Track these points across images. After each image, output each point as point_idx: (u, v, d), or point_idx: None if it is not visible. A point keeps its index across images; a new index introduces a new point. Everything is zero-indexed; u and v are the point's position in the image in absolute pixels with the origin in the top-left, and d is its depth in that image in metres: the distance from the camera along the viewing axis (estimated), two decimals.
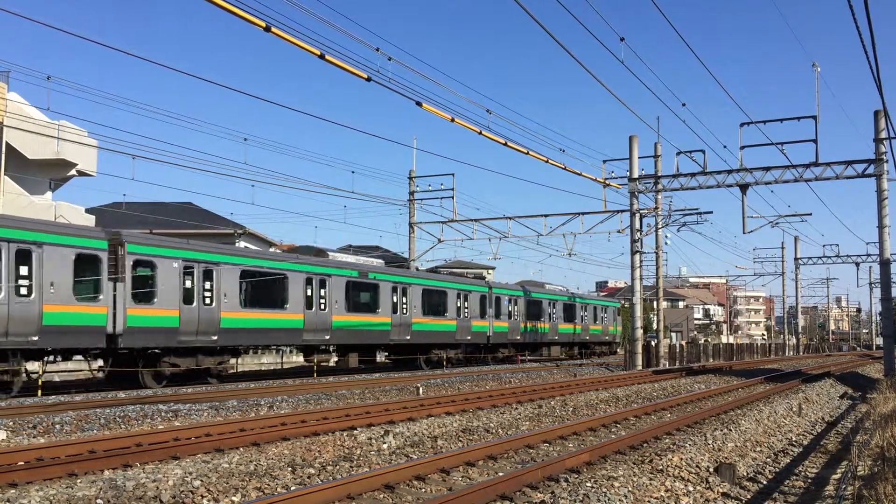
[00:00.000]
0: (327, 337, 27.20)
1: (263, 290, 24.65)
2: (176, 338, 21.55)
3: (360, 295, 29.16)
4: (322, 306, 26.84)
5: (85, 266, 19.36)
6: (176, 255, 21.68)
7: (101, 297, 19.64)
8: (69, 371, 24.61)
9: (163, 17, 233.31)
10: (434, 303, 33.26)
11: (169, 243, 22.15)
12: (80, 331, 19.23)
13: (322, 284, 26.96)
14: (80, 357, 21.33)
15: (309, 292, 26.36)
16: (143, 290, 20.75)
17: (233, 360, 25.64)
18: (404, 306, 31.16)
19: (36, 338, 18.18)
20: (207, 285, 22.54)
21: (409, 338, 31.47)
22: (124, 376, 21.25)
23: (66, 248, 18.94)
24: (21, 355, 18.45)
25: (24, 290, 17.96)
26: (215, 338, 22.73)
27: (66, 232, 19.35)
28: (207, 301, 22.50)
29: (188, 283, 21.94)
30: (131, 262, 20.38)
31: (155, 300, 20.94)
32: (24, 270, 18.00)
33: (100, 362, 21.51)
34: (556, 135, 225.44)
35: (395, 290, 30.70)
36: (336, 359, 29.29)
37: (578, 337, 47.39)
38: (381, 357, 33.29)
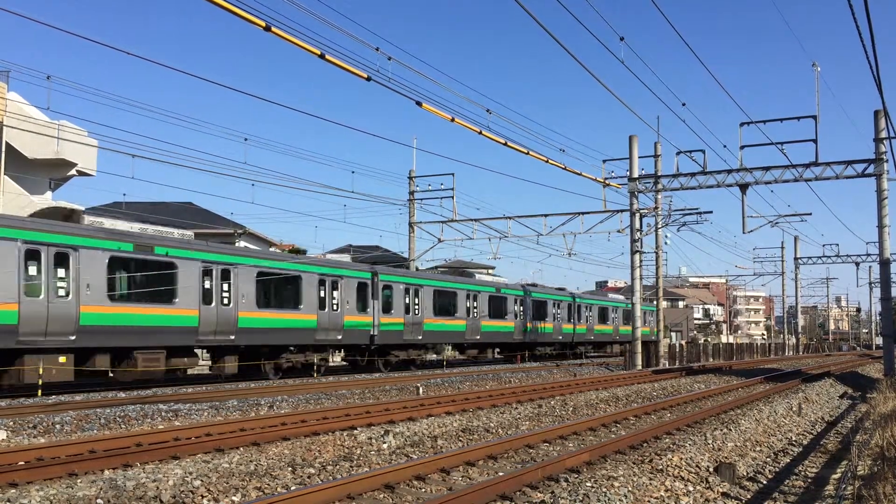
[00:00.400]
0: (478, 337, 36.54)
1: (444, 302, 33.94)
2: (401, 337, 30.90)
3: (496, 306, 38.16)
4: (475, 315, 36.11)
5: (361, 290, 28.64)
6: (402, 280, 31.24)
7: (368, 309, 28.97)
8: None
9: (163, 17, 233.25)
10: (540, 311, 42.54)
11: (398, 272, 32.09)
12: (360, 332, 28.56)
13: (475, 298, 36.29)
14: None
15: (468, 304, 35.66)
16: (387, 305, 30.01)
17: (427, 355, 34.94)
18: (521, 314, 40.32)
19: (339, 336, 27.53)
20: (416, 301, 31.81)
21: (523, 338, 40.60)
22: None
23: (353, 278, 28.32)
24: (332, 350, 28.86)
25: (334, 306, 27.19)
26: (420, 337, 32.05)
27: (352, 267, 29.16)
28: (416, 312, 31.81)
29: (407, 300, 31.26)
30: (381, 286, 29.78)
31: (392, 311, 30.25)
32: (335, 294, 27.32)
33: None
34: (556, 135, 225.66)
35: (516, 301, 39.71)
36: (475, 353, 38.09)
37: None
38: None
